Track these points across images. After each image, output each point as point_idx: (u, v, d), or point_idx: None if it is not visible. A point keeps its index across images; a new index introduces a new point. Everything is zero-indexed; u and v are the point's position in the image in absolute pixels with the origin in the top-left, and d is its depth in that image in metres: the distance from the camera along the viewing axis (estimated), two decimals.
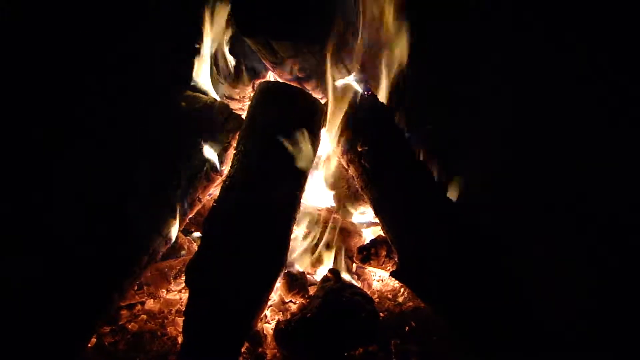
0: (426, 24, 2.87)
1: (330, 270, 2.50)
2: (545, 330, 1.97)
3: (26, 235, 2.48)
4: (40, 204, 2.62)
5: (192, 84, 2.80)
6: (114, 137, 2.83)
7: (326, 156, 2.75)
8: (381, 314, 2.38)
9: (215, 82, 2.83)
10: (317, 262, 2.66)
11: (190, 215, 2.61)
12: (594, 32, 3.25)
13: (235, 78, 2.82)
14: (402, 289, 2.58)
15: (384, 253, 2.59)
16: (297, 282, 2.54)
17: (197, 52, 2.79)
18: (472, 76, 3.18)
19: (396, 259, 2.41)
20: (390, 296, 2.58)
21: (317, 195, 2.85)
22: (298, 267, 2.66)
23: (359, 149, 2.47)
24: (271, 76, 2.81)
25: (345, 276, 2.54)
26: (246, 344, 2.21)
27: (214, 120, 2.60)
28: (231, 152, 2.56)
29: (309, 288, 2.58)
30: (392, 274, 2.26)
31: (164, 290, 2.60)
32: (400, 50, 2.74)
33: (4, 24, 3.17)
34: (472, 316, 2.01)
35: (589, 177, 2.92)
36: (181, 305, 2.51)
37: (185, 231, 2.76)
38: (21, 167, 2.87)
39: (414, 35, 2.72)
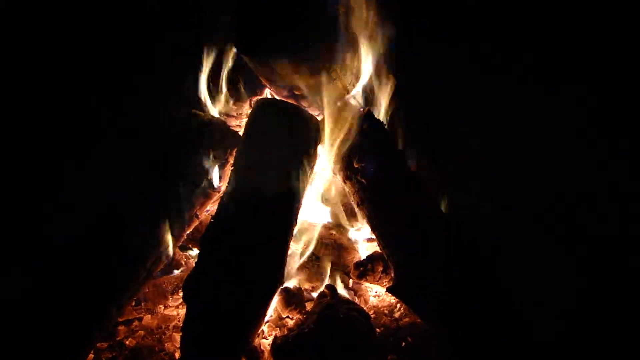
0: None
1: (327, 286, 2.49)
2: (540, 346, 1.95)
3: (23, 250, 2.49)
4: (38, 217, 2.64)
5: (190, 101, 2.79)
6: (112, 154, 2.86)
7: (323, 172, 2.75)
8: (377, 330, 2.36)
9: (213, 99, 2.82)
10: (314, 278, 2.64)
11: (188, 232, 2.59)
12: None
13: (232, 95, 2.81)
14: (398, 305, 2.56)
15: (380, 269, 2.57)
16: (294, 298, 2.51)
17: (196, 69, 2.78)
18: (465, 91, 3.24)
19: (392, 275, 2.40)
20: (386, 312, 2.55)
21: (314, 211, 2.85)
22: (295, 283, 2.65)
23: (356, 166, 2.46)
24: (268, 93, 2.82)
25: (342, 292, 2.54)
26: (243, 359, 2.17)
27: (212, 137, 2.60)
28: (228, 169, 2.58)
29: (306, 304, 2.54)
30: (389, 290, 2.25)
31: (161, 305, 2.58)
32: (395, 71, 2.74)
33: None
34: (468, 332, 1.99)
35: (582, 188, 2.99)
36: (179, 321, 2.50)
37: (183, 247, 2.75)
38: (19, 183, 2.90)
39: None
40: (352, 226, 2.83)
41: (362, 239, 2.84)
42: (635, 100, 3.32)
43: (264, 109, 2.55)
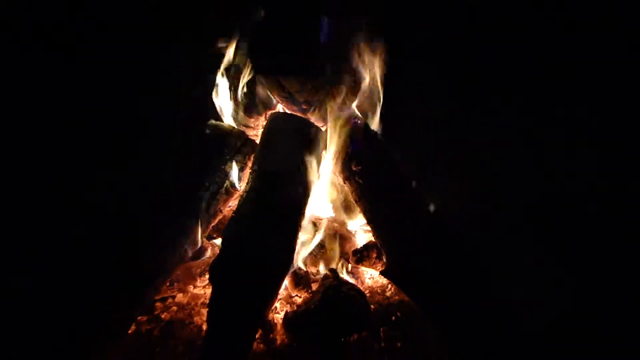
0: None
1: (329, 270, 2.52)
2: (515, 326, 1.96)
3: (79, 242, 2.53)
4: (93, 215, 2.69)
5: (215, 114, 2.83)
6: (151, 159, 2.88)
7: (326, 174, 2.74)
8: (372, 306, 2.40)
9: (234, 113, 2.84)
10: (319, 262, 2.66)
11: (213, 224, 2.64)
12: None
13: (250, 109, 2.80)
14: (389, 285, 2.58)
15: (374, 255, 2.60)
16: (302, 280, 2.55)
17: (220, 87, 2.80)
18: (452, 100, 3.25)
19: (385, 260, 2.42)
20: (379, 291, 2.57)
21: (319, 206, 2.85)
22: (303, 267, 2.66)
23: (354, 168, 2.51)
24: (280, 108, 2.82)
25: (342, 275, 2.57)
26: (260, 331, 2.24)
27: (233, 145, 2.64)
28: (247, 171, 2.61)
29: (312, 285, 2.57)
30: (382, 273, 2.30)
31: (191, 286, 2.59)
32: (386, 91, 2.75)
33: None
34: (449, 309, 2.05)
35: (568, 187, 2.98)
36: (205, 299, 2.52)
37: (209, 237, 2.77)
38: (73, 178, 2.95)
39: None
40: (351, 219, 2.83)
41: (360, 230, 2.84)
42: (617, 103, 3.27)
43: (277, 121, 2.59)
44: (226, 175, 2.60)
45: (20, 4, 3.46)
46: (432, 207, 2.39)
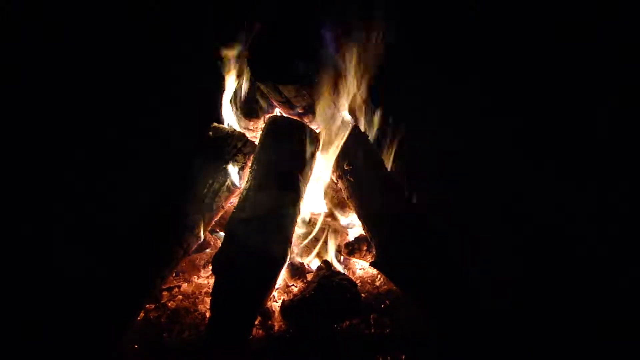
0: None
1: (323, 261, 2.53)
2: (480, 303, 2.02)
3: (93, 237, 2.58)
4: (103, 213, 2.72)
5: (218, 117, 2.82)
6: (157, 161, 2.90)
7: (320, 172, 2.72)
8: (363, 295, 2.41)
9: (235, 116, 2.84)
10: (314, 255, 2.67)
11: (216, 219, 2.63)
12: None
13: (250, 113, 2.81)
14: (379, 276, 2.59)
15: (365, 248, 2.60)
16: (297, 271, 2.57)
17: (222, 93, 2.80)
18: (430, 109, 3.31)
19: (374, 252, 2.41)
20: (369, 281, 2.59)
21: (313, 203, 2.83)
22: (299, 259, 2.67)
23: (346, 168, 2.53)
24: (278, 111, 2.82)
25: (335, 266, 2.58)
26: (259, 318, 2.24)
27: (234, 146, 2.64)
28: (247, 170, 2.61)
29: (307, 275, 2.58)
30: (371, 264, 2.31)
31: (195, 276, 2.60)
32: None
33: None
34: (430, 295, 2.08)
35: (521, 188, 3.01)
36: (209, 288, 2.51)
37: (212, 231, 2.77)
38: (85, 182, 2.99)
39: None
40: (343, 215, 2.80)
41: (351, 225, 2.82)
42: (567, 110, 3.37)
43: (274, 123, 2.59)
44: (228, 173, 2.60)
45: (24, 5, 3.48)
46: (413, 203, 2.44)
